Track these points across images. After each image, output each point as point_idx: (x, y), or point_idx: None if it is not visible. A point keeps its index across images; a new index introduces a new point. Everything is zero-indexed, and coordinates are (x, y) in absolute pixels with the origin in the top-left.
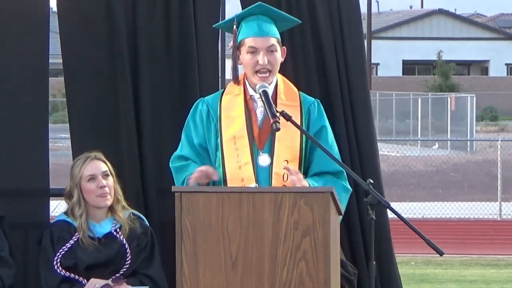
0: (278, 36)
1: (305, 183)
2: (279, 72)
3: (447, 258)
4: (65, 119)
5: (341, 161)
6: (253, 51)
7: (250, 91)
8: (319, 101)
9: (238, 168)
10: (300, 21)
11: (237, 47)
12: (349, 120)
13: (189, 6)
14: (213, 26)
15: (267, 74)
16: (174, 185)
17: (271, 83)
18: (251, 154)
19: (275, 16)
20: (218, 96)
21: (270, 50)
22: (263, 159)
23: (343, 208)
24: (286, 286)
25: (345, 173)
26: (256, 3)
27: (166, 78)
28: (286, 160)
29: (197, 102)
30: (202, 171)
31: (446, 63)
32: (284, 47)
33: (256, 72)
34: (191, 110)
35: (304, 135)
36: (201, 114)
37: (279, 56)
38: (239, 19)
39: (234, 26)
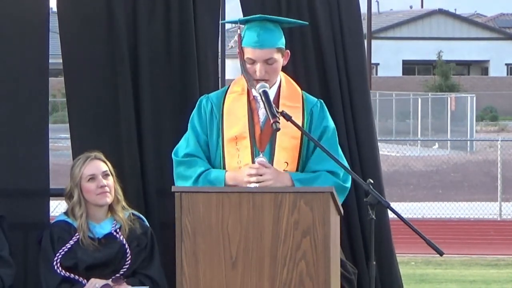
0: (280, 44)
1: (285, 174)
2: (282, 71)
3: (447, 258)
4: (65, 119)
5: (346, 162)
6: (252, 62)
7: (253, 92)
8: (322, 101)
9: (238, 169)
10: (307, 23)
11: (242, 49)
12: (349, 120)
13: (189, 6)
14: (221, 22)
15: (265, 81)
16: (174, 182)
17: (274, 83)
18: (251, 156)
19: (279, 21)
20: (222, 94)
21: (267, 62)
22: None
23: None
24: (286, 286)
25: (347, 175)
26: (257, 15)
27: (166, 78)
28: (286, 162)
29: (201, 98)
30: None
31: (446, 63)
32: (287, 51)
33: (254, 79)
34: (196, 107)
35: (304, 136)
36: (205, 110)
37: (278, 65)
38: (242, 22)
39: (239, 30)
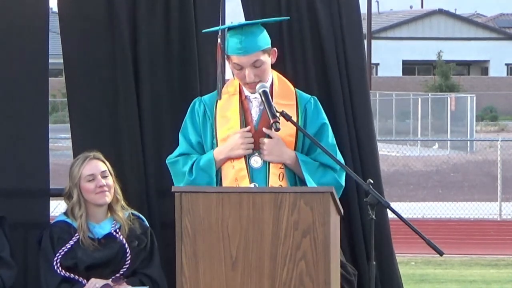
0: (264, 46)
1: (290, 151)
2: (275, 70)
3: (447, 258)
4: (65, 119)
5: (341, 159)
6: (239, 68)
7: (246, 92)
8: (316, 98)
9: (232, 168)
10: (289, 17)
11: (227, 56)
12: (349, 120)
13: (189, 6)
14: (203, 31)
15: (256, 84)
16: (172, 181)
17: (267, 82)
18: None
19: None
20: (215, 96)
21: (255, 65)
22: (255, 160)
23: None
24: (286, 286)
25: (343, 172)
26: (236, 23)
27: (167, 78)
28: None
29: (194, 101)
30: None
31: (446, 63)
32: (274, 48)
33: (244, 84)
34: (189, 110)
35: (300, 134)
36: (198, 113)
37: (266, 66)
38: (223, 30)
39: (219, 40)
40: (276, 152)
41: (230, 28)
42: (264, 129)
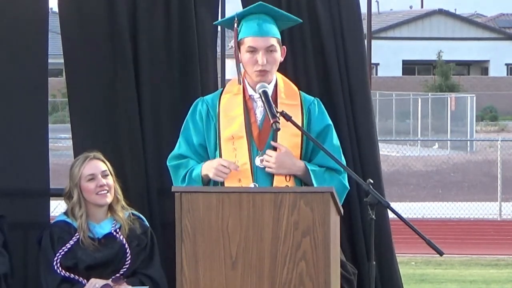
0: (279, 36)
1: (299, 161)
2: (279, 71)
3: (447, 258)
4: (65, 119)
5: (344, 160)
6: (253, 50)
7: (250, 91)
8: (319, 100)
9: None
10: (301, 21)
11: (238, 45)
12: (350, 120)
13: (189, 5)
14: (214, 23)
15: (266, 73)
16: (173, 183)
17: (271, 82)
18: (249, 155)
19: (276, 15)
20: (217, 95)
21: (269, 50)
22: (260, 160)
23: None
24: (286, 286)
25: (346, 173)
26: (257, 3)
27: (167, 78)
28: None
29: (196, 101)
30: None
31: (446, 63)
32: (284, 46)
33: (255, 70)
34: (191, 110)
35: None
36: (200, 113)
37: (278, 56)
38: (240, 17)
39: (235, 25)
40: (286, 165)
41: (246, 14)
42: (272, 143)
